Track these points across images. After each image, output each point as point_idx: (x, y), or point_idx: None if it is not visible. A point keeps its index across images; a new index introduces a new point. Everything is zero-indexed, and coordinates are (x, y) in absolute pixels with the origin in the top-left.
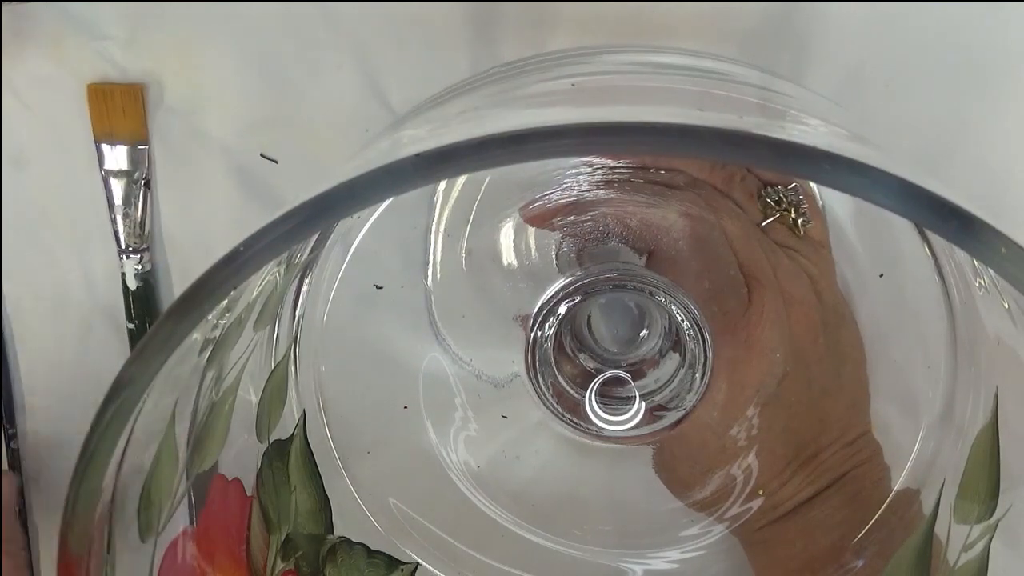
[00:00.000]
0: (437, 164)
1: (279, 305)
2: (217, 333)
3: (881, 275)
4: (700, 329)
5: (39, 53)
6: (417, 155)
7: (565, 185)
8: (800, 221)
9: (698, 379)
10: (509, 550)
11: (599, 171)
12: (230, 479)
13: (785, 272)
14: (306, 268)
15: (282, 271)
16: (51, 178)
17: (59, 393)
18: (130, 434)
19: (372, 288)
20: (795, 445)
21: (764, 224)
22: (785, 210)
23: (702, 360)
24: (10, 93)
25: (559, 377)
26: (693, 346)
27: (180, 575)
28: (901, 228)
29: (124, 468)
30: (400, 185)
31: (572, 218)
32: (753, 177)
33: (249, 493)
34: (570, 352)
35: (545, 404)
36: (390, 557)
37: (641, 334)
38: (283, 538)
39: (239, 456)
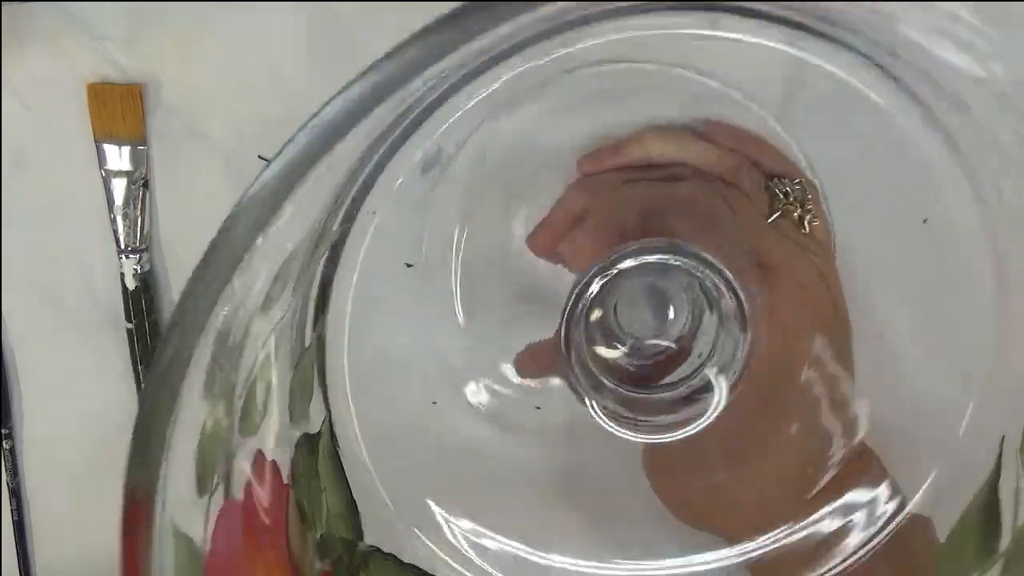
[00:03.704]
0: None
1: (309, 285)
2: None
3: (925, 220)
4: (731, 285)
5: (39, 53)
6: None
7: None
8: (807, 219)
9: (739, 333)
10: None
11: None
12: (268, 459)
13: (797, 260)
14: (335, 246)
15: (312, 243)
16: (51, 178)
17: (57, 393)
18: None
19: (402, 269)
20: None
21: (772, 219)
22: (791, 204)
23: (738, 314)
24: (10, 93)
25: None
26: (726, 302)
27: (231, 545)
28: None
29: (182, 416)
30: None
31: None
32: (758, 172)
33: (286, 481)
34: (604, 349)
35: (583, 396)
36: (421, 571)
37: (668, 315)
38: (318, 537)
39: (277, 438)
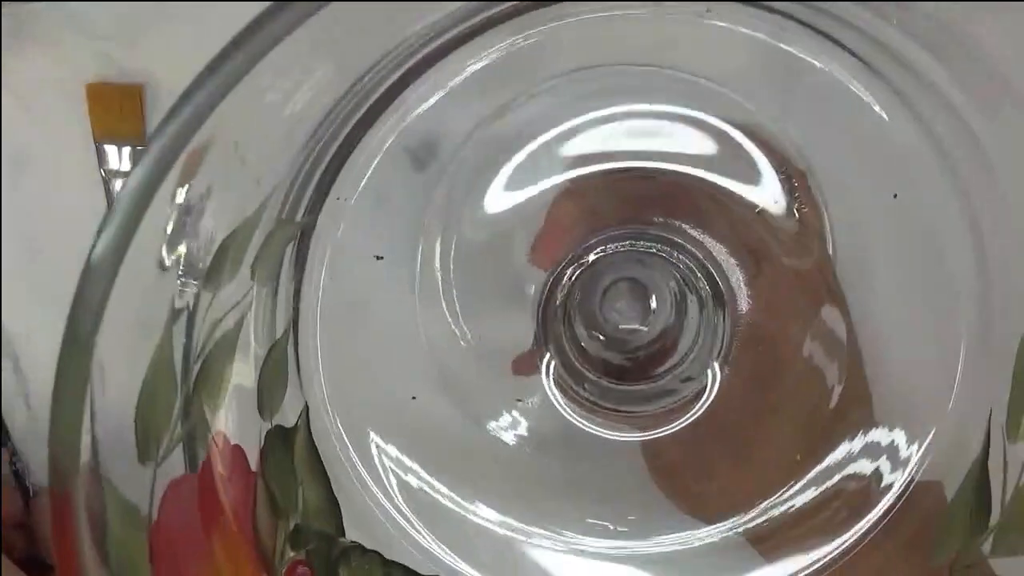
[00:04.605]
0: None
1: (278, 267)
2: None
3: (896, 195)
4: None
5: (39, 53)
6: None
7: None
8: (795, 207)
9: (720, 316)
10: (539, 555)
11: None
12: (232, 443)
13: (788, 247)
14: (304, 233)
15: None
16: (51, 178)
17: None
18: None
19: (372, 260)
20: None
21: (759, 210)
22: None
23: (717, 296)
24: (10, 93)
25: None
26: (704, 287)
27: (183, 522)
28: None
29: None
30: None
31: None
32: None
33: (253, 468)
34: (587, 341)
35: (562, 387)
36: (407, 568)
37: (651, 306)
38: (291, 528)
39: (241, 424)
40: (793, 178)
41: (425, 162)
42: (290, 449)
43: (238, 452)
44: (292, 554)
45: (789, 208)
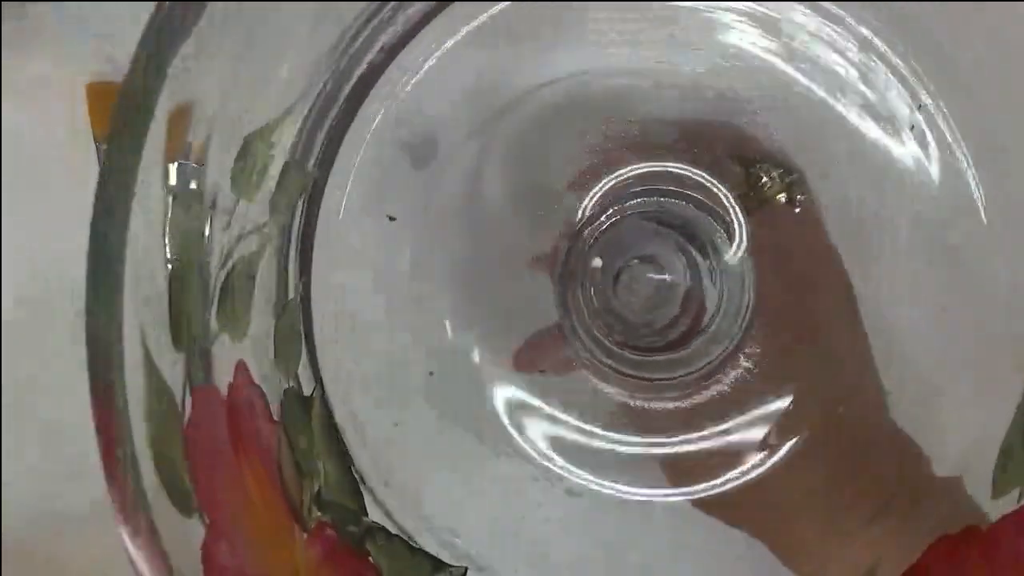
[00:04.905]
0: None
1: (291, 219)
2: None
3: (912, 127)
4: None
5: (39, 53)
6: None
7: None
8: (795, 199)
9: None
10: (569, 541)
11: None
12: (255, 382)
13: (792, 238)
14: (311, 203)
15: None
16: (51, 178)
17: (57, 391)
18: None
19: (385, 223)
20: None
21: (758, 204)
22: (775, 188)
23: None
24: (10, 93)
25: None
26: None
27: (213, 435)
28: None
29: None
30: None
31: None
32: (737, 162)
33: (276, 418)
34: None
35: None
36: (432, 556)
37: (666, 278)
38: (316, 490)
39: (261, 366)
40: (789, 172)
41: (426, 160)
42: (307, 416)
43: (260, 395)
44: (319, 514)
45: (790, 201)
